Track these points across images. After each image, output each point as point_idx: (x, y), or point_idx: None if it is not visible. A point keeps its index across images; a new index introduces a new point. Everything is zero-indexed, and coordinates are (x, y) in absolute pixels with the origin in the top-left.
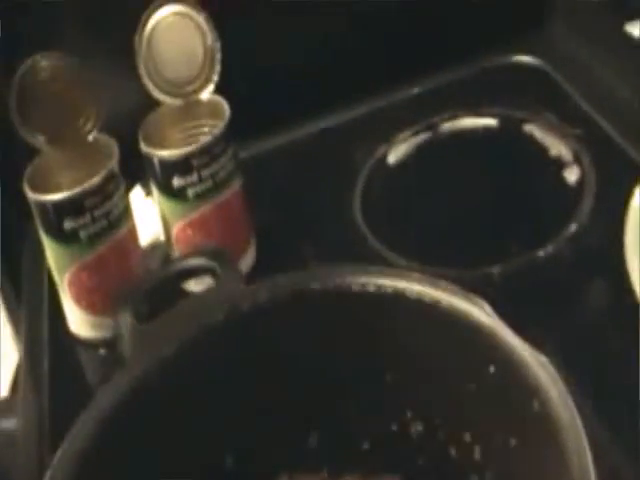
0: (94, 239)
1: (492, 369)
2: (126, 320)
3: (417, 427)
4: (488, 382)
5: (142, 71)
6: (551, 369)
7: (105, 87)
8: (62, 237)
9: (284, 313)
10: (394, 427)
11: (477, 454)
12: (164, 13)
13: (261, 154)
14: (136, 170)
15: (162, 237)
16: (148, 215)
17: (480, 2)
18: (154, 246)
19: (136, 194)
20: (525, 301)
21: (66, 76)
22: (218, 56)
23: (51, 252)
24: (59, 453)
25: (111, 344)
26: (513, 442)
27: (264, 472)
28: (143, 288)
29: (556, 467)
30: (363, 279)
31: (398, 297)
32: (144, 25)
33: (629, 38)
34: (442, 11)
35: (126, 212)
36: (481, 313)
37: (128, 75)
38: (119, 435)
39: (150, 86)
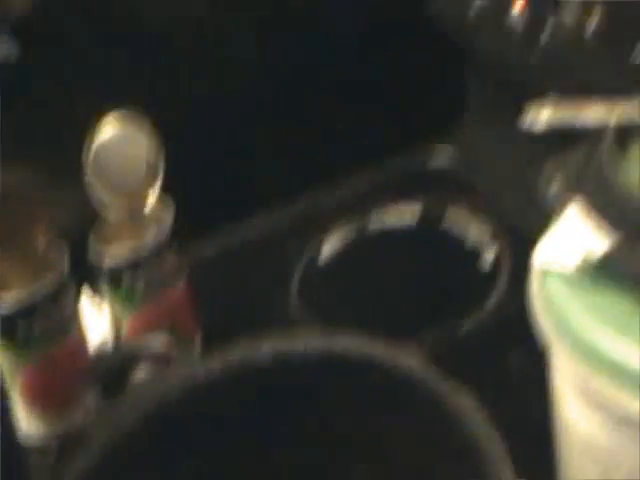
0: (46, 341)
1: (426, 412)
2: (91, 398)
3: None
4: (423, 424)
5: (90, 179)
6: (474, 403)
7: (56, 200)
8: (14, 341)
9: (236, 382)
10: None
11: None
12: (111, 130)
13: (202, 256)
14: (85, 275)
15: (110, 336)
16: (96, 318)
17: (399, 114)
18: (103, 346)
19: (85, 299)
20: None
21: (19, 191)
22: (161, 162)
23: (4, 357)
24: None
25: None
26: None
27: None
28: (103, 369)
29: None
30: (306, 342)
31: (340, 357)
32: (92, 141)
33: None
34: (364, 120)
35: (76, 315)
36: (413, 364)
37: (78, 188)
38: None
39: (98, 193)
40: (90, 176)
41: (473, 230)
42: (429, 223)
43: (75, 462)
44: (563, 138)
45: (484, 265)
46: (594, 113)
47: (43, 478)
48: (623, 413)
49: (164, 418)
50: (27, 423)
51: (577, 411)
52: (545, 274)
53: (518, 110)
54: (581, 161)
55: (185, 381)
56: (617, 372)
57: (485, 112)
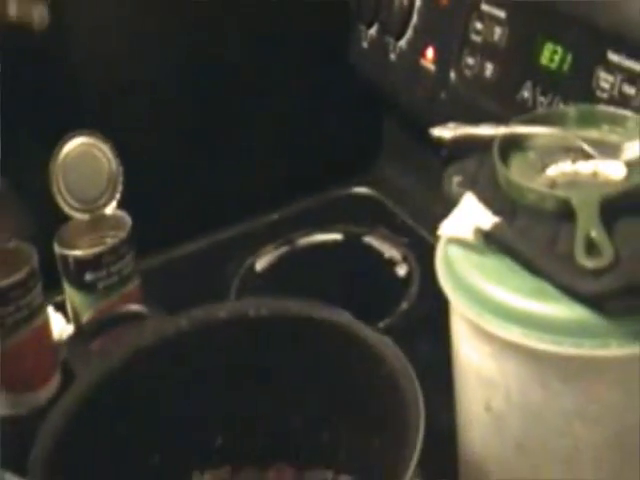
0: (17, 326)
1: (352, 356)
2: (76, 345)
3: (297, 421)
4: (349, 368)
5: (55, 191)
6: (392, 343)
7: (25, 205)
8: None
9: (200, 336)
10: (279, 423)
11: (343, 432)
12: (74, 143)
13: (154, 265)
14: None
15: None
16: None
17: (326, 146)
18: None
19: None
20: None
21: None
22: (120, 179)
23: None
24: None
25: (27, 420)
26: (368, 409)
27: (182, 469)
28: (87, 327)
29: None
30: (256, 306)
31: (287, 319)
32: (57, 153)
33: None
34: (295, 154)
35: (43, 305)
36: (343, 317)
37: (44, 194)
38: (77, 433)
39: (62, 204)
40: (55, 186)
41: (390, 247)
42: (352, 239)
43: (66, 397)
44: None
45: (399, 274)
46: (485, 130)
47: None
48: (502, 341)
49: (140, 362)
50: None
51: (470, 347)
52: (447, 243)
53: (427, 144)
54: (475, 165)
55: (157, 333)
56: (498, 311)
57: (399, 146)
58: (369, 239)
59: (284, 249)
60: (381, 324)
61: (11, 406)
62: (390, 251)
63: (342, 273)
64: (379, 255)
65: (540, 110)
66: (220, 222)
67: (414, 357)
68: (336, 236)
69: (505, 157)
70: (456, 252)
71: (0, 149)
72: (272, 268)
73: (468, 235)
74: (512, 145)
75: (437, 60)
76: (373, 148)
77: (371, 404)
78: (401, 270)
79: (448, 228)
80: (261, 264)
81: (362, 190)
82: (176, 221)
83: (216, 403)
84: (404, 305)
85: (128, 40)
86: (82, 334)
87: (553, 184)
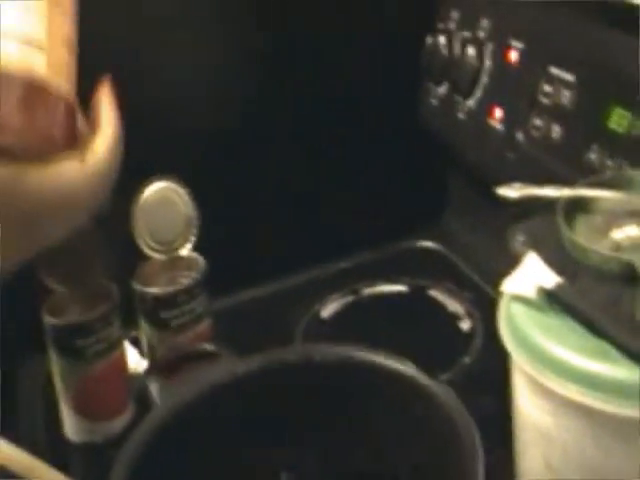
0: (97, 357)
1: (417, 408)
2: (153, 378)
3: (364, 468)
4: (414, 419)
5: (136, 232)
6: (452, 393)
7: (108, 245)
8: (72, 353)
9: (268, 378)
10: (344, 469)
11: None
12: (154, 188)
13: (224, 307)
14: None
15: (142, 364)
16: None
17: (393, 199)
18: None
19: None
20: None
21: (79, 234)
22: (196, 222)
23: (60, 367)
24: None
25: (103, 448)
26: (427, 459)
27: None
28: (166, 361)
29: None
30: (322, 352)
31: (355, 366)
32: (138, 198)
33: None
34: (363, 206)
35: (120, 339)
36: (407, 368)
37: (125, 235)
38: (152, 461)
39: (142, 244)
40: (136, 229)
41: (454, 301)
42: (416, 292)
43: (142, 427)
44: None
45: (462, 328)
46: (550, 192)
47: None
48: (561, 398)
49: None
50: (72, 427)
51: (530, 402)
52: (509, 300)
53: (493, 201)
54: (538, 225)
55: (230, 372)
56: (558, 368)
57: (466, 201)
58: (433, 292)
59: (349, 298)
60: (443, 377)
61: (87, 433)
62: (454, 305)
63: (405, 324)
64: (443, 309)
65: (606, 173)
66: (288, 269)
67: (475, 411)
68: (401, 288)
69: (570, 218)
70: (518, 309)
71: None
72: (337, 316)
73: (531, 293)
74: (577, 207)
75: (505, 120)
76: (439, 202)
77: (433, 455)
78: (464, 325)
79: (511, 285)
80: (327, 311)
81: (427, 244)
82: (247, 265)
83: (281, 445)
84: (466, 359)
85: (207, 87)
86: (159, 368)
87: (617, 247)
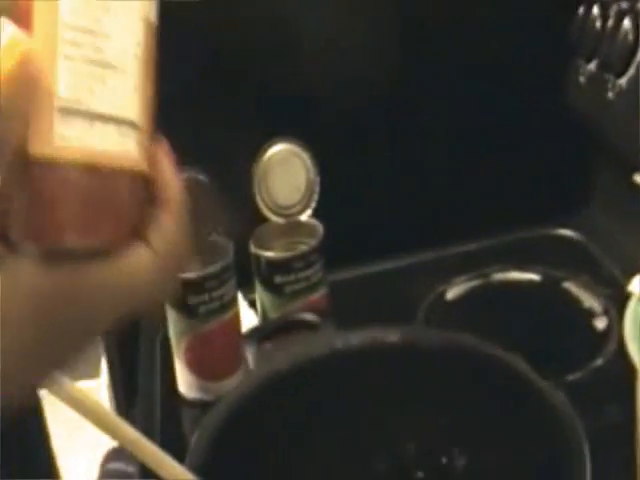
0: (209, 315)
1: (524, 406)
2: (253, 345)
3: (461, 461)
4: (521, 416)
5: (257, 193)
6: (564, 398)
7: (226, 202)
8: (185, 310)
9: (367, 356)
10: (444, 460)
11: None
12: (277, 149)
13: (343, 281)
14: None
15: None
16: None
17: (534, 182)
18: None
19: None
20: None
21: (197, 189)
22: (317, 188)
23: (173, 322)
24: (195, 437)
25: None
26: (535, 460)
27: None
28: (265, 328)
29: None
30: (428, 337)
31: (455, 352)
32: (261, 157)
33: None
34: (505, 188)
35: (235, 299)
36: (519, 364)
37: (245, 195)
38: (242, 426)
39: (261, 206)
40: (257, 189)
41: (591, 296)
42: (550, 282)
43: (235, 390)
44: None
45: (597, 327)
46: None
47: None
48: None
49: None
50: (185, 383)
51: None
52: (636, 300)
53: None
54: None
55: (327, 346)
56: None
57: (612, 190)
58: (569, 285)
59: (477, 282)
60: (570, 377)
61: (199, 390)
62: (590, 301)
63: (535, 316)
64: (577, 303)
65: None
66: (416, 245)
67: (600, 417)
68: (533, 277)
69: None
70: None
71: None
72: (462, 299)
73: None
74: None
75: None
76: (583, 189)
77: (534, 455)
78: (600, 323)
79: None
80: (452, 293)
81: (567, 232)
82: (371, 237)
83: (378, 427)
84: (599, 361)
85: (345, 55)
86: (258, 333)
87: None
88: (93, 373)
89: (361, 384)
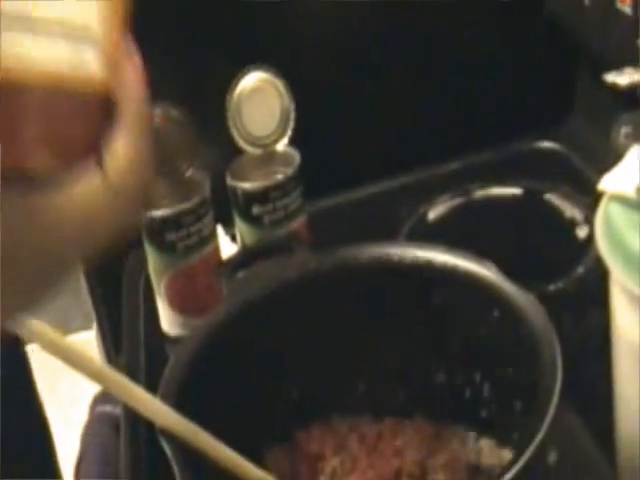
0: (188, 251)
1: (496, 313)
2: (226, 276)
3: (441, 375)
4: (493, 324)
5: (230, 125)
6: (537, 303)
7: (200, 136)
8: (163, 247)
9: (341, 277)
10: (423, 376)
11: (486, 391)
12: (249, 79)
13: (323, 208)
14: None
15: None
16: (228, 241)
17: (513, 99)
18: None
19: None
20: None
21: (171, 124)
22: (292, 115)
23: (152, 260)
24: (170, 363)
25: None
26: (510, 370)
27: (321, 410)
28: (237, 257)
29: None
30: (400, 252)
31: (426, 265)
32: (234, 88)
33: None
34: (483, 104)
35: (213, 233)
36: (488, 271)
37: (219, 127)
38: (215, 356)
39: (237, 137)
40: (231, 120)
41: (572, 206)
42: (531, 195)
43: (206, 320)
44: None
45: (579, 236)
46: None
47: None
48: None
49: (281, 295)
50: (168, 321)
51: (627, 318)
52: (608, 200)
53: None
54: None
55: (300, 268)
56: None
57: (592, 100)
58: (550, 196)
59: (459, 200)
60: (552, 287)
61: (181, 327)
62: (571, 210)
63: (517, 229)
64: (559, 214)
65: None
66: (396, 167)
67: (583, 324)
68: (515, 191)
69: None
70: (617, 210)
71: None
72: (444, 218)
73: (630, 191)
74: None
75: (636, 3)
76: (564, 101)
77: (512, 365)
78: (581, 232)
79: (609, 183)
80: (434, 213)
81: (548, 144)
82: (350, 163)
83: (358, 348)
84: (580, 269)
85: None
86: (229, 264)
87: None
88: (87, 325)
89: (337, 305)
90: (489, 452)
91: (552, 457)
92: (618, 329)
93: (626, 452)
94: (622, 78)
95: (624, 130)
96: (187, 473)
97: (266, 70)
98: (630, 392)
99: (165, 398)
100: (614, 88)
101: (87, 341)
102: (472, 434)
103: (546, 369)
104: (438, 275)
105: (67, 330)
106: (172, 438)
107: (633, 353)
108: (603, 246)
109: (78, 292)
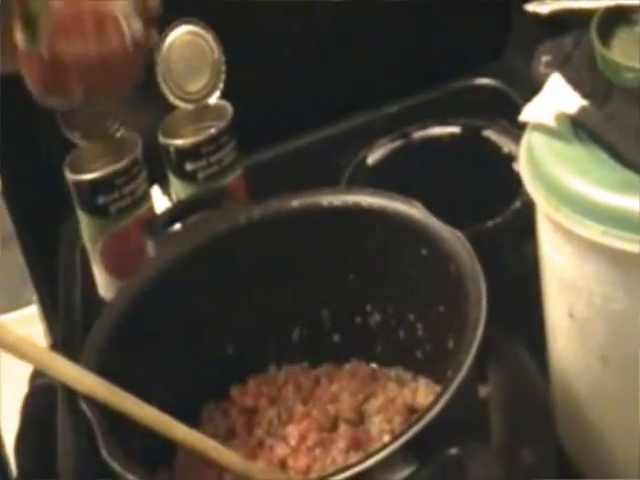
0: (122, 213)
1: (424, 251)
2: (153, 231)
3: (375, 317)
4: (422, 263)
5: (160, 80)
6: (463, 239)
7: (130, 95)
8: (95, 211)
9: (271, 226)
10: (357, 319)
11: (420, 331)
12: (178, 32)
13: (262, 160)
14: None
15: None
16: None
17: (449, 35)
18: None
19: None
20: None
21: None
22: (223, 68)
23: (85, 225)
24: (96, 324)
25: None
26: (441, 308)
27: (257, 361)
28: (168, 212)
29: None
30: (330, 197)
31: (355, 208)
32: (162, 42)
33: None
34: (418, 45)
35: (147, 193)
36: (415, 210)
37: (149, 85)
38: (143, 316)
39: (167, 93)
40: (160, 76)
41: (510, 141)
42: (469, 133)
43: (133, 280)
44: None
45: (517, 170)
46: (587, 3)
47: None
48: (582, 239)
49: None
50: (105, 286)
51: (551, 246)
52: (530, 130)
53: (558, 31)
54: (570, 43)
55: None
56: (577, 205)
57: (528, 34)
58: (488, 132)
59: (398, 143)
60: (490, 223)
61: (114, 288)
62: (509, 145)
63: (456, 168)
64: (497, 149)
65: None
66: (333, 115)
67: (522, 256)
68: (454, 129)
69: (606, 34)
70: (539, 140)
71: None
72: (384, 162)
73: (550, 120)
74: (618, 19)
75: None
76: (500, 37)
77: (443, 303)
78: (519, 166)
79: (530, 113)
80: (373, 157)
81: (486, 81)
82: (288, 114)
83: (290, 295)
84: (517, 203)
85: None
86: (156, 221)
87: None
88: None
89: (268, 256)
90: (425, 392)
91: (482, 391)
92: (543, 257)
93: (556, 377)
94: (543, 8)
95: (544, 59)
96: (110, 439)
97: (195, 23)
98: (557, 317)
99: (89, 363)
100: (536, 18)
101: (34, 315)
102: (408, 375)
103: (473, 305)
104: (367, 218)
105: (16, 305)
106: (95, 404)
107: (558, 280)
108: (526, 176)
109: (22, 268)
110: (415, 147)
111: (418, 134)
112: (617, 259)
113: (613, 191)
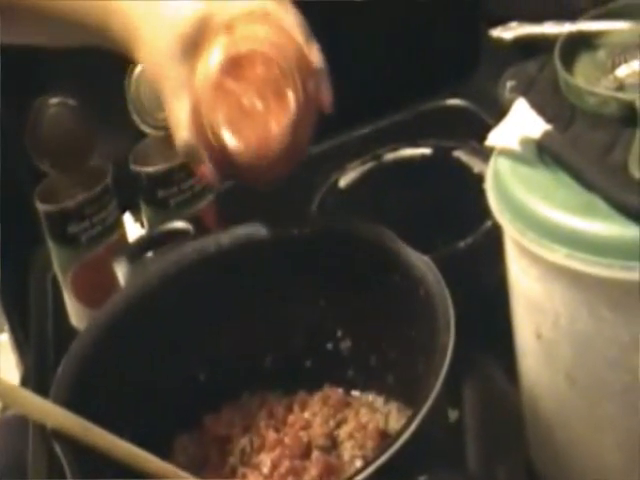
0: (92, 242)
1: (394, 277)
2: (122, 262)
3: (346, 343)
4: (392, 289)
5: (131, 109)
6: (432, 265)
7: (100, 124)
8: (66, 240)
9: (241, 254)
10: (329, 345)
11: (390, 355)
12: None
13: (233, 185)
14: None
15: None
16: (136, 229)
17: (420, 57)
18: None
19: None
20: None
21: (67, 115)
22: None
23: (56, 254)
24: (65, 358)
25: None
26: (412, 332)
27: (230, 389)
28: (137, 243)
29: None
30: (299, 225)
31: (325, 235)
32: (132, 71)
33: None
34: (389, 67)
35: (118, 221)
36: (385, 236)
37: (120, 113)
38: (113, 347)
39: (137, 121)
40: (130, 103)
41: (480, 162)
42: (440, 154)
43: (103, 311)
44: None
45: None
46: (549, 29)
47: None
48: (547, 262)
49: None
50: (76, 315)
51: (518, 269)
52: (496, 155)
53: (529, 54)
54: (535, 68)
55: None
56: (542, 229)
57: (499, 56)
58: (458, 153)
59: (370, 165)
60: (462, 244)
61: (87, 320)
62: (480, 166)
63: (428, 189)
64: (468, 170)
65: (615, 2)
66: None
67: (494, 276)
68: (424, 151)
69: (569, 59)
70: (504, 164)
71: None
72: (356, 184)
73: (515, 145)
74: (581, 44)
75: None
76: (470, 58)
77: (413, 327)
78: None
79: (495, 138)
80: (345, 180)
81: (456, 102)
82: None
83: (262, 322)
84: (488, 224)
85: None
86: (126, 252)
87: (621, 86)
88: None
89: (238, 284)
90: (397, 416)
91: (453, 415)
92: (511, 279)
93: (526, 395)
94: (507, 33)
95: (509, 84)
96: (80, 475)
97: None
98: (525, 338)
99: (57, 397)
100: (500, 43)
101: (3, 344)
102: (381, 399)
103: (442, 329)
104: (337, 244)
105: None
106: (65, 439)
107: (525, 302)
108: (493, 201)
109: None
110: (387, 169)
111: (389, 156)
112: (581, 281)
113: (576, 214)
